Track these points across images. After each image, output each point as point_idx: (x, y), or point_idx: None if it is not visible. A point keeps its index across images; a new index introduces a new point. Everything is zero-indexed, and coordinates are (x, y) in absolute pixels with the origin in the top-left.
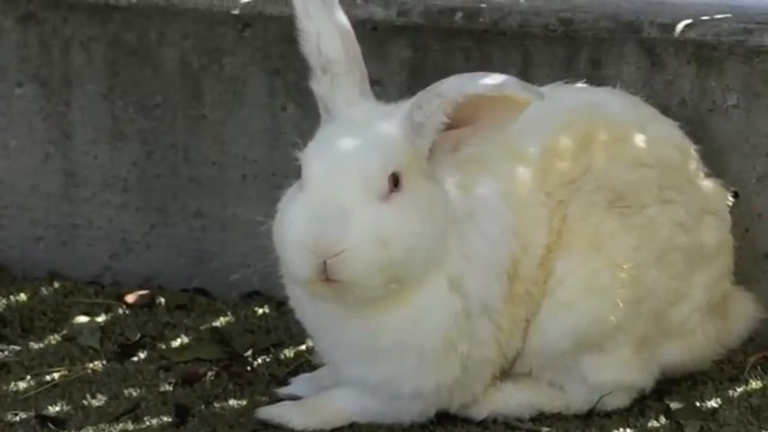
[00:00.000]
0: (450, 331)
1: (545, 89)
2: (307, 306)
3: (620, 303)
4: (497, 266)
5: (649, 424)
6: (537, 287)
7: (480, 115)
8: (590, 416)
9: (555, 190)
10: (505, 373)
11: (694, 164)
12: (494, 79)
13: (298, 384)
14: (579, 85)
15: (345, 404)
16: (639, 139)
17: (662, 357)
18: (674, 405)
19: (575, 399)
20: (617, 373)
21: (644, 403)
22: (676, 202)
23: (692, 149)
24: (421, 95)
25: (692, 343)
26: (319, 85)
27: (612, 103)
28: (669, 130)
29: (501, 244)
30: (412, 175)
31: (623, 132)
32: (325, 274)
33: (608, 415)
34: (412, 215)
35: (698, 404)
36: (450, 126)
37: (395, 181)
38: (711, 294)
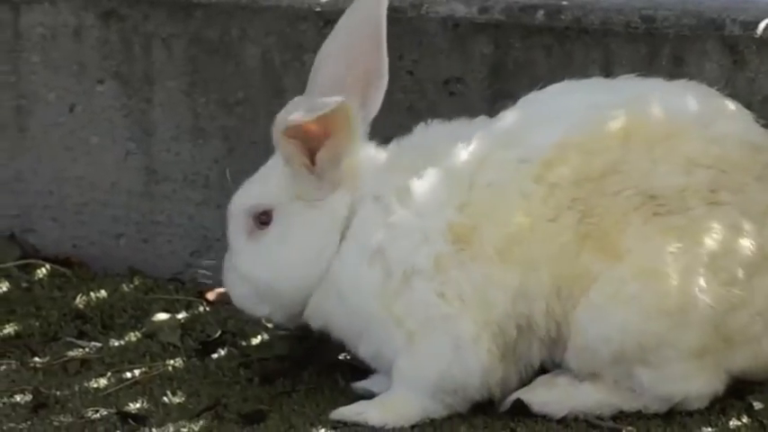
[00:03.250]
0: (381, 297)
1: (619, 79)
2: None
3: (656, 314)
4: (423, 232)
5: (731, 423)
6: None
7: (328, 130)
8: (671, 414)
9: (564, 185)
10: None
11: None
12: (289, 112)
13: (375, 380)
14: (653, 78)
15: (402, 395)
16: (696, 138)
17: (728, 364)
18: (756, 404)
19: (650, 401)
20: (677, 386)
21: (726, 402)
22: (730, 203)
23: None
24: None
25: (756, 350)
26: None
27: (674, 98)
28: (739, 126)
29: (427, 212)
30: (290, 205)
31: (675, 130)
32: None
33: (689, 414)
34: (272, 249)
35: None
36: (314, 147)
37: (264, 218)
38: None
